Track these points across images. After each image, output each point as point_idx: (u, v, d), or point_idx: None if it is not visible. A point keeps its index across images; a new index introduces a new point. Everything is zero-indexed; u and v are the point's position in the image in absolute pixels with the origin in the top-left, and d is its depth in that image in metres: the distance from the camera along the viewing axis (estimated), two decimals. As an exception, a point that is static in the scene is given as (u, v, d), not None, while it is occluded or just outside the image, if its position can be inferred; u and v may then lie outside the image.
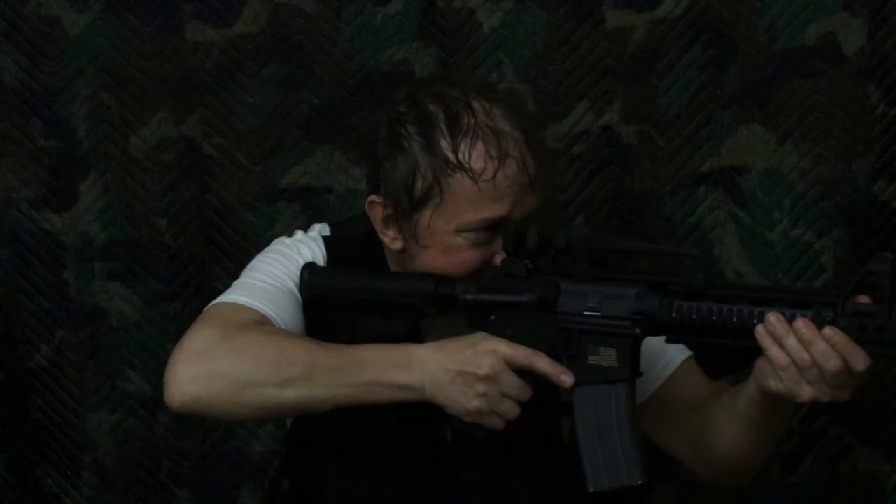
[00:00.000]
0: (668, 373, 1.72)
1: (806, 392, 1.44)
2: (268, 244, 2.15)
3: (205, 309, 1.69)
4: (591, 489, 1.55)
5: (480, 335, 1.57)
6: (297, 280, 1.69)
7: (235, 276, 2.17)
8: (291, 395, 1.56)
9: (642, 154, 2.10)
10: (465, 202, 1.61)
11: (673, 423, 1.71)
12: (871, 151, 2.05)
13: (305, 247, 1.75)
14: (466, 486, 1.67)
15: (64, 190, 2.23)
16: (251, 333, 1.59)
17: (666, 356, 1.71)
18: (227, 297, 1.68)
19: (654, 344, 1.60)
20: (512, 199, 1.61)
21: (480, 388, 1.53)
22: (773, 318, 1.43)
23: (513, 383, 1.54)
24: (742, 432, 1.60)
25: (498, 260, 1.63)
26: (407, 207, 1.64)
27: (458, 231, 1.63)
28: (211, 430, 2.25)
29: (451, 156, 1.61)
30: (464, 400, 1.54)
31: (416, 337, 1.65)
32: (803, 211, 2.06)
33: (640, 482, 1.55)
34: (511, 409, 1.55)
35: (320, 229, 1.79)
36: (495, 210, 1.61)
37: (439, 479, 1.67)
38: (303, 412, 1.61)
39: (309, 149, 2.17)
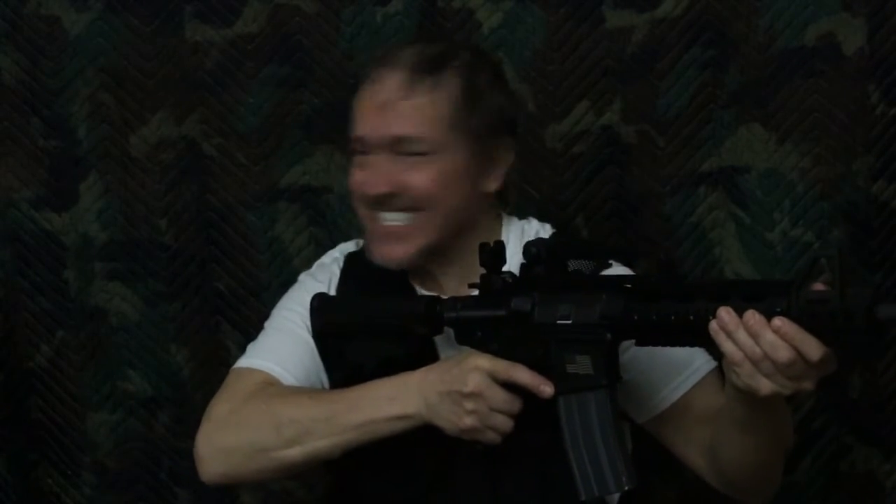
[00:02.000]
0: (691, 384, 1.70)
1: (765, 385, 1.43)
2: (268, 244, 2.20)
3: (229, 371, 1.79)
4: (582, 498, 1.55)
5: (465, 352, 1.61)
6: (306, 318, 1.75)
7: (235, 276, 2.21)
8: (297, 452, 1.65)
9: (642, 154, 2.10)
10: (353, 122, 1.74)
11: (690, 434, 1.70)
12: (871, 151, 2.05)
13: (312, 279, 1.82)
14: (474, 486, 1.68)
15: (64, 190, 2.23)
16: (253, 402, 1.69)
17: (691, 366, 1.69)
18: (242, 361, 1.78)
19: (679, 353, 1.60)
20: (367, 119, 1.70)
21: (469, 405, 1.56)
22: (723, 313, 1.42)
23: (499, 397, 1.56)
24: (736, 436, 1.59)
25: (370, 189, 1.70)
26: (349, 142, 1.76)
27: (351, 154, 1.75)
28: (211, 429, 2.25)
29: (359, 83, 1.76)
30: (455, 419, 1.58)
31: (431, 353, 1.70)
32: (803, 211, 2.06)
33: (626, 488, 1.55)
34: (503, 423, 1.57)
35: (343, 248, 1.86)
36: (356, 129, 1.72)
37: (447, 478, 1.69)
38: (315, 463, 1.69)
39: (309, 149, 2.17)
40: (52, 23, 2.20)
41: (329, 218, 2.17)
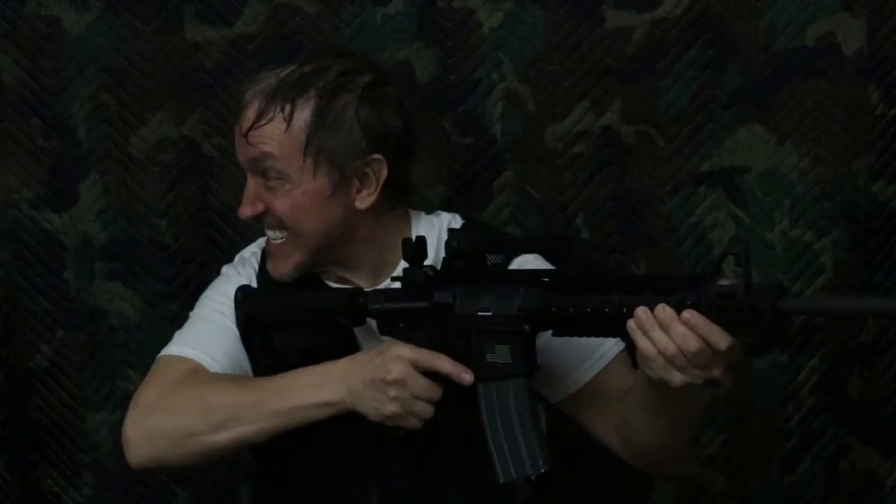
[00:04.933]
0: (601, 365, 1.76)
1: (677, 377, 1.50)
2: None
3: (155, 359, 1.84)
4: (500, 480, 1.62)
5: (388, 342, 1.68)
6: (231, 309, 1.82)
7: (236, 276, 2.20)
8: (224, 437, 1.71)
9: (642, 154, 2.10)
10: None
11: (602, 412, 1.76)
12: (871, 151, 2.05)
13: (236, 272, 1.88)
14: (402, 471, 1.76)
15: (64, 190, 2.23)
16: (181, 388, 1.75)
17: (601, 349, 1.75)
18: (168, 349, 1.83)
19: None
20: (237, 143, 1.78)
21: (392, 392, 1.63)
22: (640, 312, 1.49)
23: (421, 385, 1.63)
24: (647, 418, 1.65)
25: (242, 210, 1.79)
26: None
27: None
28: (211, 429, 2.24)
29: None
30: (379, 406, 1.64)
31: (352, 344, 1.77)
32: (803, 211, 2.07)
33: (542, 470, 1.61)
34: (424, 409, 1.64)
35: (259, 243, 1.89)
36: (239, 151, 1.79)
37: (376, 464, 1.76)
38: (242, 448, 1.77)
39: (309, 149, 2.17)
40: (52, 23, 2.20)
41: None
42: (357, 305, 1.73)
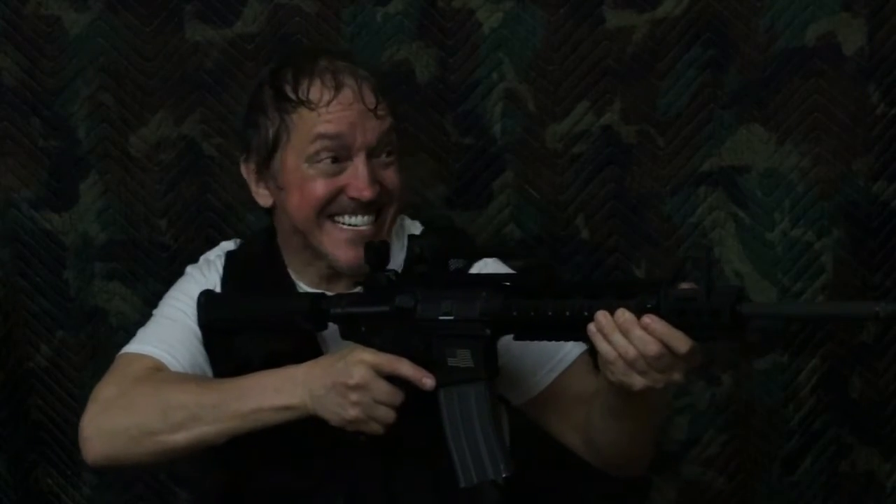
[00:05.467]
0: (563, 367, 1.76)
1: (638, 381, 1.50)
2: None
3: (116, 356, 1.84)
4: (461, 485, 1.62)
5: (350, 347, 1.67)
6: (192, 313, 1.82)
7: (235, 276, 2.20)
8: (183, 437, 1.70)
9: (642, 154, 2.10)
10: (307, 131, 1.75)
11: (565, 415, 1.76)
12: (871, 151, 2.05)
13: (200, 274, 1.88)
14: (367, 476, 1.74)
15: (64, 190, 2.23)
16: (141, 386, 1.74)
17: (561, 351, 1.76)
18: (130, 346, 1.83)
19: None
20: (348, 121, 1.74)
21: (354, 397, 1.62)
22: (600, 317, 1.50)
23: (383, 389, 1.62)
24: (610, 421, 1.65)
25: (351, 191, 1.74)
26: (265, 155, 1.80)
27: (309, 162, 1.76)
28: (211, 430, 2.24)
29: (292, 95, 1.76)
30: (340, 410, 1.63)
31: (314, 349, 1.75)
32: (803, 211, 2.07)
33: (504, 475, 1.62)
34: (386, 414, 1.62)
35: (224, 246, 1.93)
36: (328, 128, 1.74)
37: (342, 466, 1.75)
38: (201, 449, 1.73)
39: (309, 149, 2.17)
40: (52, 23, 2.20)
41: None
42: (318, 310, 1.72)
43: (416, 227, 1.88)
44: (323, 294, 1.76)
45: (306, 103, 1.75)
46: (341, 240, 1.77)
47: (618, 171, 2.11)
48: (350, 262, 1.76)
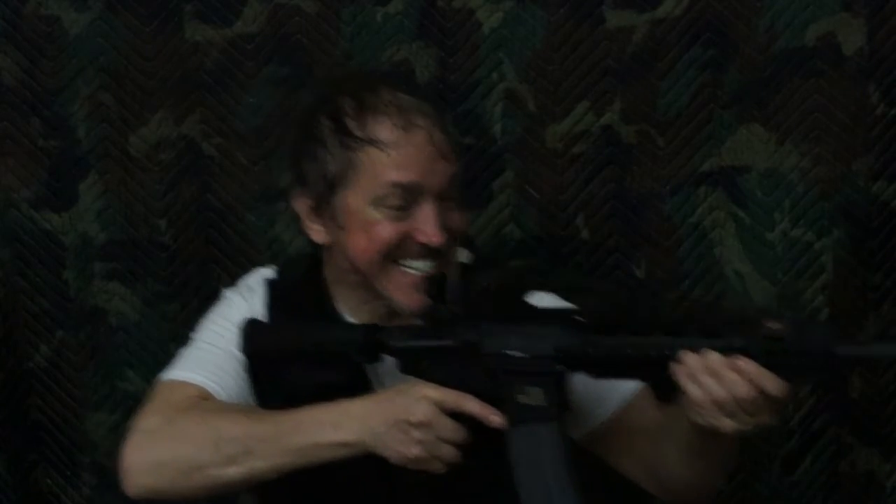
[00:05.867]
0: (625, 399, 1.69)
1: (727, 424, 1.46)
2: (267, 244, 2.18)
3: (155, 384, 1.74)
4: None
5: (411, 382, 1.59)
6: (238, 338, 1.72)
7: (235, 275, 2.18)
8: (235, 472, 1.59)
9: (642, 154, 2.10)
10: (377, 174, 1.65)
11: (626, 447, 1.70)
12: (871, 151, 2.05)
13: (242, 299, 1.79)
14: None
15: (63, 190, 2.23)
16: (189, 416, 1.64)
17: (623, 384, 1.67)
18: (172, 373, 1.73)
19: None
20: (421, 166, 1.65)
21: (416, 434, 1.54)
22: (688, 358, 1.45)
23: (447, 427, 1.54)
24: (686, 459, 1.60)
25: (420, 237, 1.65)
26: (325, 192, 1.68)
27: (375, 204, 1.66)
28: (210, 430, 2.24)
29: (358, 133, 1.66)
30: (402, 448, 1.55)
31: (363, 382, 1.67)
32: (803, 211, 2.07)
33: None
34: (449, 453, 1.55)
35: (263, 273, 1.83)
36: (403, 175, 1.64)
37: None
38: (251, 484, 1.64)
39: (309, 149, 2.17)
40: (52, 23, 2.20)
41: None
42: (373, 341, 1.64)
43: (463, 255, 1.75)
44: (376, 325, 1.67)
45: (375, 143, 1.65)
46: (406, 284, 1.67)
47: (618, 171, 2.11)
48: (414, 307, 1.66)
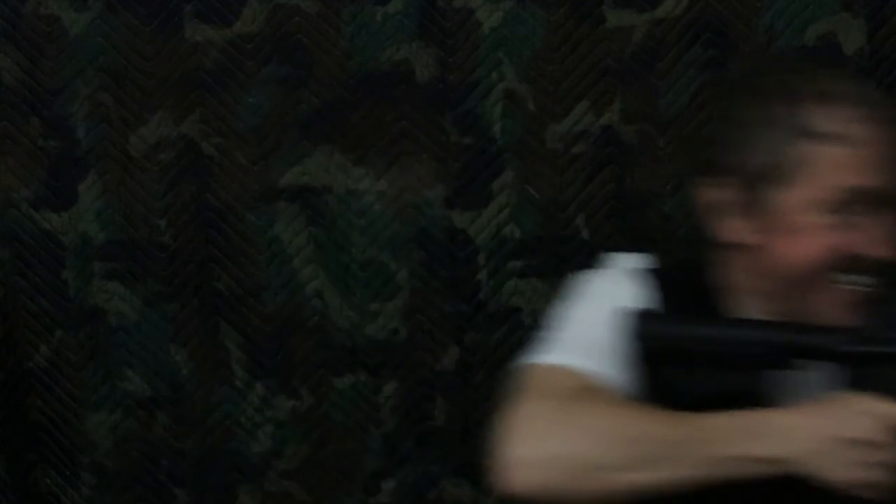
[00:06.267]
0: None
1: None
2: (267, 244, 2.18)
3: (523, 371, 1.53)
4: None
5: (847, 394, 1.39)
6: (616, 329, 1.49)
7: (235, 276, 2.20)
8: (634, 478, 1.39)
9: (642, 154, 2.10)
10: (832, 174, 1.48)
11: None
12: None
13: (616, 287, 1.58)
14: None
15: (63, 190, 2.23)
16: (576, 407, 1.43)
17: None
18: (546, 357, 1.52)
19: None
20: (882, 171, 1.48)
21: (853, 454, 1.35)
22: None
23: (894, 448, 1.35)
24: None
25: (869, 250, 1.48)
26: (760, 187, 1.52)
27: (820, 209, 1.49)
28: (210, 430, 2.24)
29: (822, 125, 1.49)
30: (842, 470, 1.35)
31: (759, 395, 1.47)
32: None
33: None
34: (891, 478, 1.36)
35: (625, 262, 1.64)
36: (864, 179, 1.48)
37: None
38: (642, 497, 1.42)
39: (308, 149, 2.17)
40: (52, 23, 2.20)
41: (328, 218, 2.17)
42: (815, 344, 1.42)
43: None
44: (807, 325, 1.45)
45: (838, 138, 1.48)
46: (842, 301, 1.49)
47: (618, 171, 2.11)
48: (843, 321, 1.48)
